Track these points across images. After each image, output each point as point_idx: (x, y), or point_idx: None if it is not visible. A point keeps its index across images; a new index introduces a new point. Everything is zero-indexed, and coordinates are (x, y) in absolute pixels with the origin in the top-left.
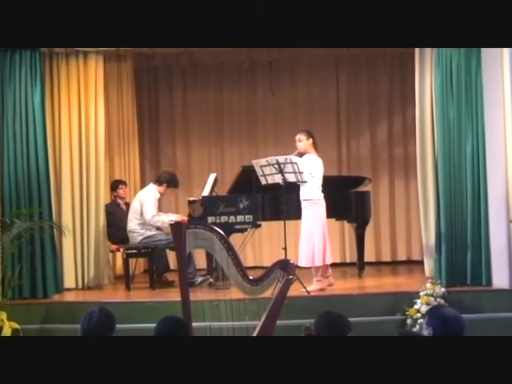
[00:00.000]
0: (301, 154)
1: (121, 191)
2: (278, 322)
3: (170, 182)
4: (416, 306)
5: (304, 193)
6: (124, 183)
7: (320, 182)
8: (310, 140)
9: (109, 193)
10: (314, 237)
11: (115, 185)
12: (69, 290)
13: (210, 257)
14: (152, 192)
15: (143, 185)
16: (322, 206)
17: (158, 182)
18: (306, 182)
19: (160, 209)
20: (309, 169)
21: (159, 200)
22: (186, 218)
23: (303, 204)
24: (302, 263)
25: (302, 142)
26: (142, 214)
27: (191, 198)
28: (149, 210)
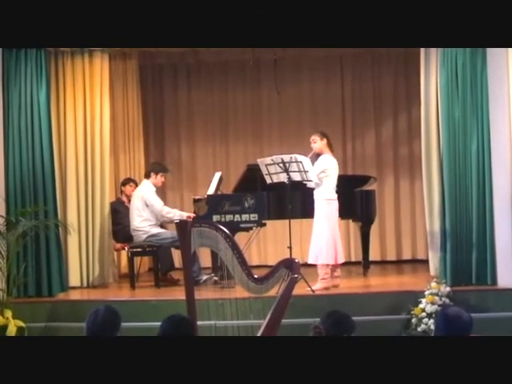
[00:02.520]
0: (317, 155)
1: (129, 188)
2: (283, 320)
3: (155, 169)
4: (421, 305)
5: (318, 192)
6: (134, 182)
7: (334, 182)
8: (324, 140)
9: (114, 191)
10: (322, 235)
11: (126, 181)
12: (74, 288)
13: (214, 255)
14: (148, 187)
15: None
16: (333, 205)
17: (147, 176)
18: (310, 180)
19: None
20: (324, 169)
21: (157, 192)
22: (193, 216)
23: (316, 203)
24: (309, 260)
25: (317, 142)
26: (145, 209)
27: (196, 197)
28: (156, 203)
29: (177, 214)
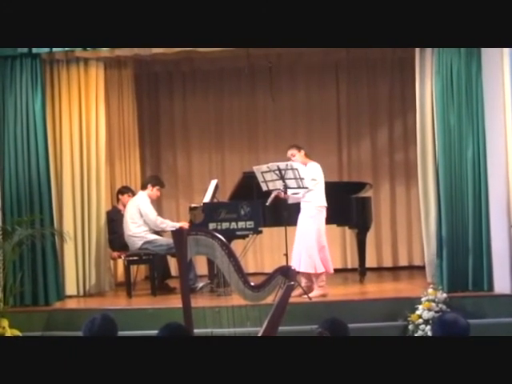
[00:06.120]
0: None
1: (126, 197)
2: (280, 328)
3: (152, 181)
4: (418, 312)
5: (310, 199)
6: (132, 191)
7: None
8: (302, 151)
9: (110, 199)
10: (311, 243)
11: (124, 190)
12: (70, 297)
13: (211, 263)
14: (144, 197)
15: None
16: (323, 213)
17: (144, 187)
18: (306, 188)
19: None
20: (314, 177)
21: (152, 204)
22: (187, 225)
23: (304, 210)
24: (302, 268)
25: (296, 156)
26: (140, 217)
27: (192, 205)
28: (150, 213)
29: (169, 225)
